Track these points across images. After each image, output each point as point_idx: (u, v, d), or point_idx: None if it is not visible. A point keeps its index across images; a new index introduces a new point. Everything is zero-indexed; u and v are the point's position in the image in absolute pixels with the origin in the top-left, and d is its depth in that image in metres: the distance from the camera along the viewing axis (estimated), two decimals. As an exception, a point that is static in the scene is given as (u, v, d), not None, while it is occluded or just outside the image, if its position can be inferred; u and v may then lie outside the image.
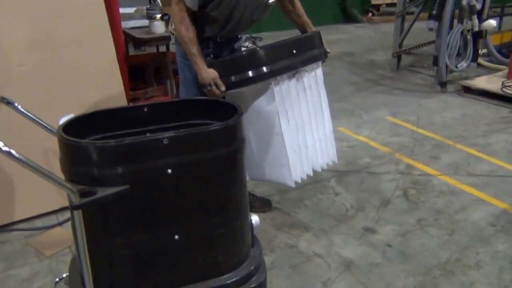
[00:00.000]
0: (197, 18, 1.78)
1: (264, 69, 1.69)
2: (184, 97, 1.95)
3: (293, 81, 1.80)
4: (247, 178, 1.90)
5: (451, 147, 2.97)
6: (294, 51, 1.76)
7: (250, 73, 1.69)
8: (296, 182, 1.85)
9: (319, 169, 1.96)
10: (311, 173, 1.93)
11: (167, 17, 1.90)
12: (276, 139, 1.78)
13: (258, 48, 1.77)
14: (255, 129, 1.82)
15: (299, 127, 1.84)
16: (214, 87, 1.73)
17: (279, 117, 1.74)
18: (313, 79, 1.89)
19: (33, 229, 2.13)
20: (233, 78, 1.72)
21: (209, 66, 1.76)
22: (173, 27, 1.90)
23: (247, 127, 1.81)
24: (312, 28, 2.04)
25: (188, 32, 1.74)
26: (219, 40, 1.89)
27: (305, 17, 2.04)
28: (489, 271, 1.82)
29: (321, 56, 1.89)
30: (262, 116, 1.78)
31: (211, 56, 1.87)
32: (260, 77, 1.70)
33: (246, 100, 1.79)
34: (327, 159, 2.00)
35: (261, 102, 1.76)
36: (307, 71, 1.86)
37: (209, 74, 1.73)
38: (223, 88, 1.72)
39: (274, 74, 1.71)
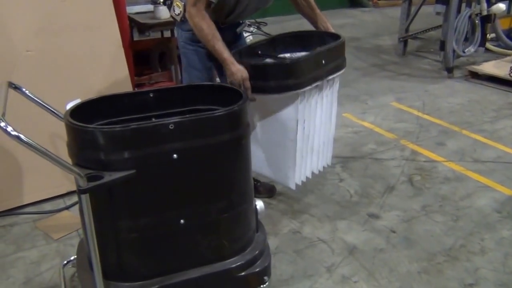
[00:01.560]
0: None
1: (295, 81, 1.65)
2: (188, 82, 1.94)
3: (315, 91, 1.81)
4: None
5: (457, 133, 2.95)
6: (323, 62, 1.74)
7: (281, 83, 1.65)
8: (296, 185, 1.90)
9: (317, 172, 2.04)
10: (310, 176, 1.99)
11: (169, 1, 1.87)
12: (289, 145, 1.79)
13: (294, 61, 1.71)
14: (269, 130, 1.82)
15: (311, 134, 1.87)
16: (242, 89, 1.65)
17: (297, 126, 1.75)
18: (330, 88, 1.91)
19: (41, 213, 2.16)
20: (261, 83, 1.66)
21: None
22: (175, 13, 1.86)
23: (261, 125, 1.83)
24: (327, 23, 1.98)
25: (210, 29, 1.67)
26: (222, 26, 1.87)
27: (318, 11, 1.98)
28: (494, 257, 1.83)
29: (344, 65, 1.89)
30: (280, 121, 1.78)
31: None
32: (290, 88, 1.67)
33: (267, 104, 1.79)
34: (324, 162, 2.08)
35: (282, 109, 1.75)
36: (328, 81, 1.86)
37: (239, 71, 1.64)
38: (249, 93, 1.65)
39: (303, 86, 1.69)
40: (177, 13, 1.85)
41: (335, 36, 1.91)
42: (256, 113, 1.85)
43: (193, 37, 1.84)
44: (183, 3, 1.81)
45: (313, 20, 2.00)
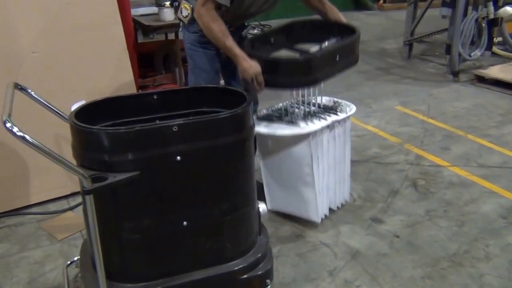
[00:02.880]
0: None
1: (308, 77, 1.66)
2: (194, 84, 1.95)
3: (326, 132, 1.84)
4: (270, 207, 2.02)
5: (462, 138, 2.94)
6: (337, 58, 1.73)
7: (294, 79, 1.66)
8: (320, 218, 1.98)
9: (335, 208, 2.09)
10: (328, 213, 2.05)
11: (176, 3, 1.87)
12: (307, 180, 1.84)
13: (308, 58, 1.70)
14: (286, 168, 1.87)
15: (325, 171, 1.91)
16: (255, 83, 1.65)
17: (312, 162, 1.79)
18: (342, 129, 1.94)
19: (46, 213, 2.17)
20: (273, 78, 1.65)
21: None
22: (183, 15, 1.87)
23: (278, 166, 1.89)
24: (338, 14, 1.96)
25: (220, 27, 1.68)
26: (230, 29, 1.87)
27: (329, 3, 1.96)
28: (499, 263, 1.81)
29: (356, 60, 1.88)
30: (295, 159, 1.82)
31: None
32: (302, 84, 1.69)
33: (281, 144, 1.83)
34: (342, 199, 2.12)
35: (296, 147, 1.79)
36: (339, 122, 1.90)
37: (252, 67, 1.63)
38: (263, 87, 1.65)
39: (315, 82, 1.70)
40: (184, 15, 1.85)
41: (350, 28, 1.88)
42: (272, 156, 1.90)
43: (200, 38, 1.85)
44: (191, 6, 1.81)
45: (323, 13, 1.98)
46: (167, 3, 3.21)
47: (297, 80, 1.65)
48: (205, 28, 1.70)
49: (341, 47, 1.75)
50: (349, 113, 1.92)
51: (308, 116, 1.84)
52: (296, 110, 1.86)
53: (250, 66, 1.64)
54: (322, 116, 1.84)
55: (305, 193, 1.89)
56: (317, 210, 1.92)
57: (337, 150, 1.94)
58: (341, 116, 1.88)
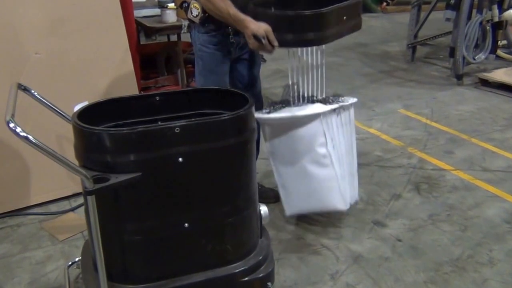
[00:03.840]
0: None
1: (318, 34, 1.62)
2: (202, 86, 1.93)
3: (334, 116, 1.82)
4: (286, 214, 1.94)
5: (466, 142, 2.92)
6: (345, 17, 1.71)
7: (302, 36, 1.61)
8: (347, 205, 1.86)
9: (348, 205, 1.92)
10: (352, 201, 1.93)
11: (186, 4, 1.86)
12: (325, 163, 1.76)
13: (317, 13, 1.64)
14: (301, 156, 1.79)
15: (340, 158, 1.84)
16: (266, 41, 1.61)
17: (327, 141, 1.73)
18: (348, 117, 1.91)
19: (47, 214, 2.17)
20: (281, 36, 1.61)
21: (256, 17, 1.64)
22: (193, 15, 1.84)
23: (292, 157, 1.81)
24: None
25: (225, 1, 1.66)
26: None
27: None
28: (503, 268, 1.80)
29: (360, 25, 1.85)
30: (309, 141, 1.76)
31: (232, 35, 1.81)
32: (311, 42, 1.64)
33: (293, 129, 1.77)
34: (354, 196, 1.99)
35: (308, 128, 1.74)
36: (343, 109, 1.87)
37: (260, 27, 1.60)
38: (276, 44, 1.62)
39: (325, 40, 1.66)
40: (195, 15, 1.82)
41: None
42: (285, 149, 1.83)
43: (212, 39, 1.83)
44: (201, 5, 1.79)
45: None
46: (170, 5, 3.21)
47: (307, 37, 1.61)
48: (209, 3, 1.68)
49: (347, 6, 1.73)
50: (351, 101, 1.89)
51: (315, 101, 1.83)
52: (301, 99, 1.84)
53: (259, 26, 1.61)
54: (328, 101, 1.83)
55: (326, 179, 1.78)
56: (342, 195, 1.80)
57: (346, 139, 1.89)
58: (346, 102, 1.85)
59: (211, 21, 1.78)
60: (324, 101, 1.84)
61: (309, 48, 1.78)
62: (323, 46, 1.78)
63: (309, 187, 1.81)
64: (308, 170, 1.79)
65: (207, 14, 1.76)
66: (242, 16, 1.65)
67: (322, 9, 1.65)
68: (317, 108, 1.76)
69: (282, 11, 1.75)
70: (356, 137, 2.94)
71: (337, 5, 1.70)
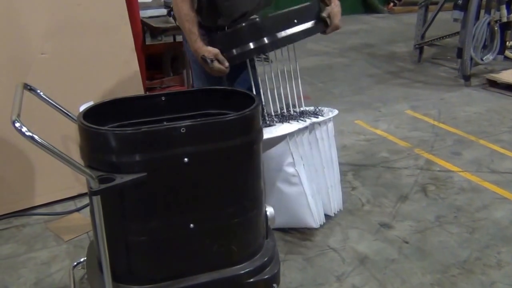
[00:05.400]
0: (207, 8, 1.75)
1: (266, 40, 1.67)
2: (201, 87, 1.93)
3: (306, 133, 1.85)
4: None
5: (474, 143, 2.89)
6: (296, 21, 1.73)
7: (252, 45, 1.67)
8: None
9: (332, 214, 2.05)
10: (324, 219, 2.00)
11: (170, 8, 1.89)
12: (293, 181, 1.81)
13: (258, 19, 1.73)
14: (271, 175, 1.84)
15: (313, 174, 1.89)
16: (216, 63, 1.68)
17: (294, 161, 1.77)
18: (325, 132, 1.94)
19: (53, 214, 2.18)
20: (234, 51, 1.68)
21: (210, 43, 1.71)
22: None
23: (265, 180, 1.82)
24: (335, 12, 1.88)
25: (190, 11, 1.68)
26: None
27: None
28: (511, 271, 1.77)
29: (321, 27, 1.84)
30: (277, 162, 1.80)
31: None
32: (262, 49, 1.68)
33: (262, 149, 1.79)
34: (336, 206, 2.07)
35: (275, 149, 1.78)
36: (319, 124, 1.89)
37: (210, 50, 1.68)
38: (226, 64, 1.68)
39: (276, 45, 1.69)
40: None
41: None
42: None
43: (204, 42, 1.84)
44: None
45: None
46: (167, 12, 3.21)
47: (256, 46, 1.66)
48: (175, 5, 1.70)
49: (295, 10, 1.74)
50: (327, 116, 1.91)
51: (286, 119, 1.85)
52: (274, 114, 1.86)
53: (209, 50, 1.67)
54: (301, 119, 1.85)
55: (295, 197, 1.84)
56: (312, 213, 1.87)
57: (322, 154, 1.92)
58: (320, 119, 1.88)
59: (201, 26, 1.78)
60: (296, 118, 1.85)
61: (279, 55, 1.82)
62: (293, 53, 1.83)
63: (281, 204, 1.86)
64: (280, 188, 1.85)
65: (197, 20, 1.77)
66: (198, 38, 1.69)
67: (256, 19, 1.72)
68: (284, 129, 1.77)
69: (223, 31, 1.81)
70: (362, 138, 2.97)
71: (278, 12, 1.74)
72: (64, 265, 1.83)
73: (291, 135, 1.77)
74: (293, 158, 1.78)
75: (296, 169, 1.79)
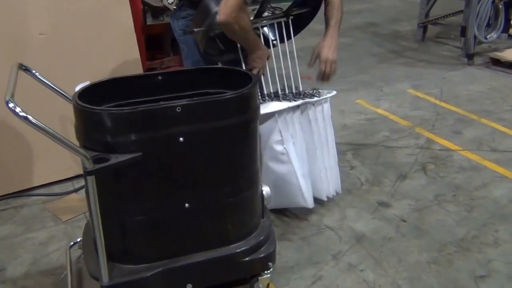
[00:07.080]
0: None
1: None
2: (198, 66, 1.91)
3: (297, 112, 1.82)
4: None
5: (475, 122, 2.86)
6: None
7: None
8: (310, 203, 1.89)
9: (325, 198, 1.99)
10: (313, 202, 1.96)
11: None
12: (282, 159, 1.80)
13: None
14: (264, 159, 1.82)
15: (304, 155, 1.87)
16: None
17: (283, 138, 1.75)
18: (320, 113, 1.91)
19: (50, 195, 2.19)
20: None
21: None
22: (168, 1, 1.80)
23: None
24: (330, 24, 1.87)
25: (249, 19, 1.66)
26: None
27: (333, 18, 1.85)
28: (508, 249, 1.78)
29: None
30: (265, 139, 1.78)
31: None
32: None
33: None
34: (332, 189, 2.02)
35: (264, 126, 1.75)
36: (313, 104, 1.86)
37: (266, 51, 1.78)
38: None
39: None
40: (170, 2, 1.81)
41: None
42: None
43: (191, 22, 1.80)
44: None
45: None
46: None
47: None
48: (235, 17, 1.56)
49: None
50: (322, 97, 1.88)
51: (279, 98, 1.83)
52: (269, 93, 1.85)
53: (266, 51, 1.75)
54: (294, 99, 1.83)
55: (285, 175, 1.82)
56: (303, 193, 1.85)
57: (316, 135, 1.89)
58: (314, 99, 1.86)
59: (187, 6, 1.74)
60: (289, 98, 1.83)
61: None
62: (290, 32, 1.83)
63: (273, 183, 1.84)
64: (269, 166, 1.83)
65: (182, 0, 1.72)
66: (258, 41, 1.76)
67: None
68: (272, 106, 1.76)
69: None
70: (363, 117, 2.94)
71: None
72: (61, 245, 1.85)
73: (280, 112, 1.75)
74: (281, 136, 1.76)
75: (284, 147, 1.77)
